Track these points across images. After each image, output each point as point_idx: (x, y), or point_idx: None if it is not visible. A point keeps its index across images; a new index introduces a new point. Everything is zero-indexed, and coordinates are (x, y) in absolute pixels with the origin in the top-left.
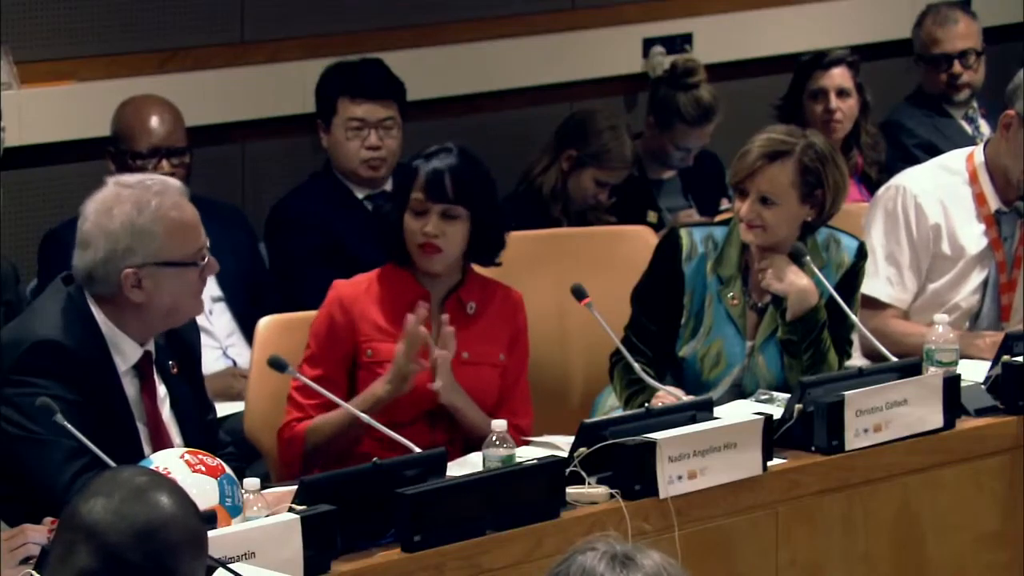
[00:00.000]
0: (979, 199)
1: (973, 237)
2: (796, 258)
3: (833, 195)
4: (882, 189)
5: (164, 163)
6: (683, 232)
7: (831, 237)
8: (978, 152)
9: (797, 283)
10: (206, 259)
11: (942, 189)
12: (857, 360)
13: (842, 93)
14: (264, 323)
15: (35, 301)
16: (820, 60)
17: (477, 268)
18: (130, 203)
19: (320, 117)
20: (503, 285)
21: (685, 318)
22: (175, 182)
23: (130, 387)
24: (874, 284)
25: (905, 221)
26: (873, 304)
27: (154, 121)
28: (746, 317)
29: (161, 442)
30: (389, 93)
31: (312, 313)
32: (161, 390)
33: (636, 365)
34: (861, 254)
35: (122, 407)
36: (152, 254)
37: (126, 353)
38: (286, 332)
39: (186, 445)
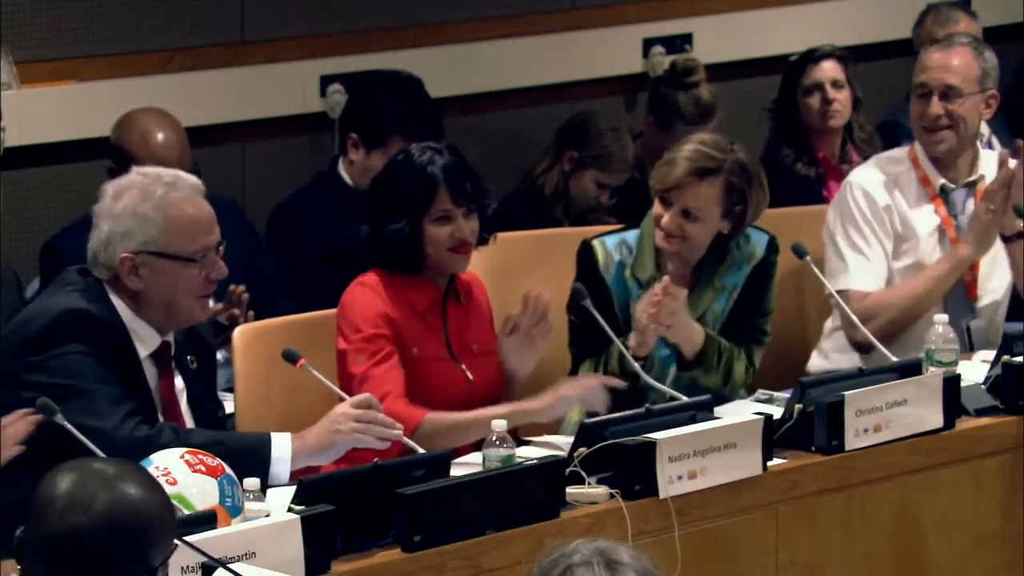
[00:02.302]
0: (923, 181)
1: (925, 218)
2: (799, 256)
3: (753, 212)
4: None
5: None
6: (596, 243)
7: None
8: (917, 142)
9: (684, 330)
10: (210, 260)
11: (887, 177)
12: (846, 358)
13: (836, 84)
14: (239, 332)
15: (49, 288)
16: (810, 56)
17: None
18: (138, 189)
19: (359, 132)
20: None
21: (622, 325)
22: (192, 178)
23: (149, 374)
24: (849, 278)
25: (857, 209)
26: (848, 297)
27: (161, 148)
28: None
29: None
30: (441, 135)
31: (287, 318)
32: (179, 382)
33: (636, 364)
34: (772, 247)
35: (143, 390)
36: (149, 242)
37: (145, 340)
38: (263, 339)
39: None
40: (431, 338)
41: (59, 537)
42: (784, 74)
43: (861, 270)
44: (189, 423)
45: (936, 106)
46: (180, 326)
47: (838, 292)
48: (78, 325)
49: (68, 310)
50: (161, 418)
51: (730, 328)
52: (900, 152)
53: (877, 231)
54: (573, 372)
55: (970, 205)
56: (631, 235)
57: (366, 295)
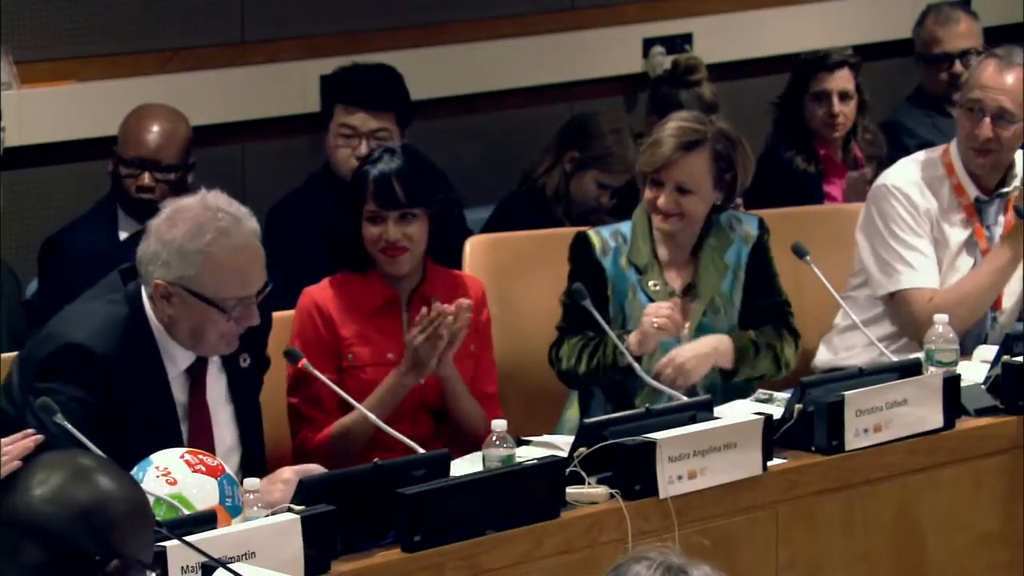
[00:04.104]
0: (957, 190)
1: (957, 227)
2: (799, 256)
3: (742, 178)
4: (870, 193)
5: (146, 176)
6: (591, 232)
7: (731, 216)
8: (952, 145)
9: (700, 364)
10: (242, 308)
11: (923, 181)
12: (853, 354)
13: (844, 96)
14: None
15: (93, 292)
16: (824, 62)
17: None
18: (192, 223)
19: (322, 116)
20: (465, 275)
21: (612, 312)
22: (251, 223)
23: (179, 391)
24: (914, 276)
25: (903, 208)
26: (914, 297)
27: (147, 132)
28: (668, 300)
29: (202, 445)
30: (386, 104)
31: (288, 313)
32: (218, 386)
33: (632, 359)
34: (763, 227)
35: (166, 410)
36: (185, 279)
37: (176, 358)
38: None
39: (242, 438)
40: (383, 340)
41: (14, 508)
42: (794, 72)
43: (922, 269)
44: (227, 428)
45: (987, 128)
46: (207, 355)
47: (897, 293)
48: (77, 365)
49: (71, 345)
50: (185, 432)
51: (756, 315)
52: (934, 155)
53: (923, 226)
54: (557, 345)
55: (1003, 216)
56: (624, 226)
57: (304, 315)
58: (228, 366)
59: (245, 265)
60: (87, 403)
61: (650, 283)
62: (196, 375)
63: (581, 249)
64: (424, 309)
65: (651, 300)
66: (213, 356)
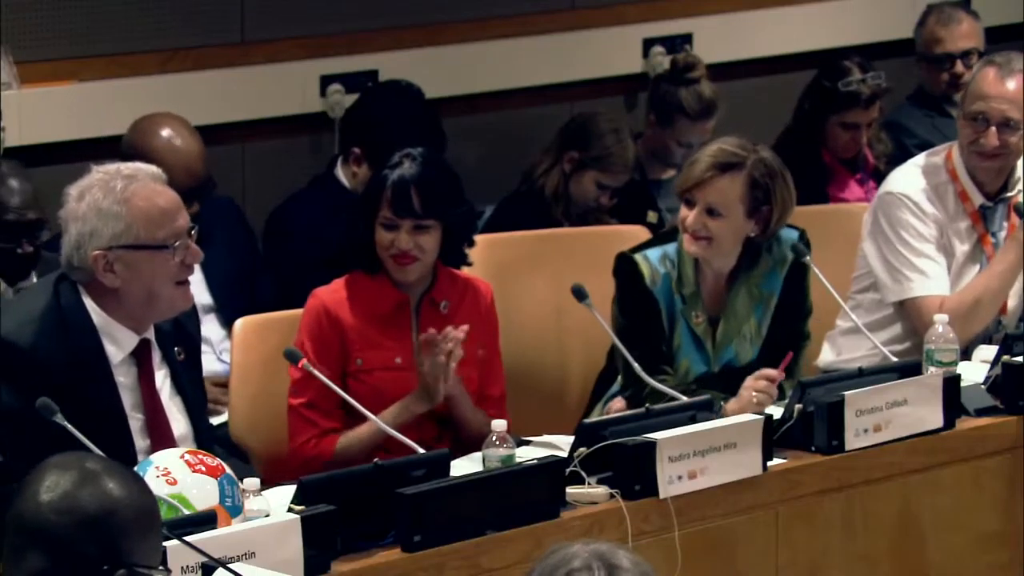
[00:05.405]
0: (962, 196)
1: (962, 233)
2: (798, 256)
3: (780, 212)
4: (875, 200)
5: (195, 206)
6: (638, 257)
7: (772, 238)
8: (955, 150)
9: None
10: (183, 244)
11: (929, 188)
12: (857, 356)
13: (870, 124)
14: (240, 324)
15: (17, 296)
16: (859, 97)
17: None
18: (99, 187)
19: (364, 148)
20: (472, 278)
21: (667, 335)
22: (152, 168)
23: (126, 376)
24: (927, 283)
25: (912, 215)
26: (926, 305)
27: (192, 156)
28: (708, 333)
29: (159, 429)
30: (443, 149)
31: (289, 313)
32: (161, 376)
33: (643, 372)
34: (799, 247)
35: (110, 398)
36: (117, 236)
37: (121, 342)
38: (263, 333)
39: (193, 428)
40: (391, 345)
41: (20, 513)
42: (821, 94)
43: (934, 276)
44: (179, 416)
45: (993, 138)
46: (163, 317)
47: (908, 301)
48: (6, 363)
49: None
50: (138, 419)
51: (774, 342)
52: (936, 159)
53: (932, 234)
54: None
55: (1006, 221)
56: (671, 248)
57: (311, 316)
58: (168, 360)
59: (164, 199)
60: (22, 405)
61: (692, 313)
62: (142, 358)
63: (629, 276)
64: (432, 330)
65: (692, 332)
66: (172, 315)
